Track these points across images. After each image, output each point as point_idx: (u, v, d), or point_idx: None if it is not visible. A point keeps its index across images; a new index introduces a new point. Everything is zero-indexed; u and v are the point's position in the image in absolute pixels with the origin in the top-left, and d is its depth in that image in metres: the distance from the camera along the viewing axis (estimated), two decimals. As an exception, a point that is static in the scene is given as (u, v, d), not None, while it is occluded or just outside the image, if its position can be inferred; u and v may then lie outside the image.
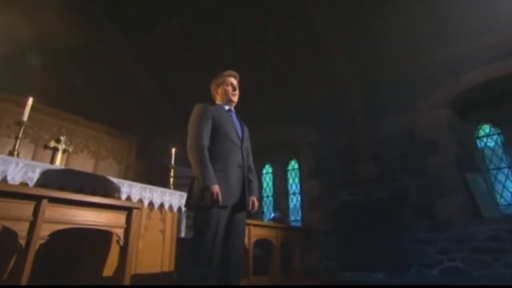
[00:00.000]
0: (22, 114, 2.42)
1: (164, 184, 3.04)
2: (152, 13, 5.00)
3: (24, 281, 1.49)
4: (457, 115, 4.51)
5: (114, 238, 1.99)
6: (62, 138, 4.42)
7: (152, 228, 2.66)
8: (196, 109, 1.83)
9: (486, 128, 4.64)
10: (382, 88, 4.83)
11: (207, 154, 1.67)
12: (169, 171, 3.33)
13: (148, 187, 2.65)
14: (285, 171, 6.28)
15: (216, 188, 1.58)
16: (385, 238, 4.16)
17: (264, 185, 6.40)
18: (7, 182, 1.83)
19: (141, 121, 6.06)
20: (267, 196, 6.30)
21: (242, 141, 1.87)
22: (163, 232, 2.73)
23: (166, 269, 2.65)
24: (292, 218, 5.83)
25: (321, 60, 4.96)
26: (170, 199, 2.79)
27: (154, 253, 2.60)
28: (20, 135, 2.34)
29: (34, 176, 1.98)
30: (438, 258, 3.85)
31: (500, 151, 4.43)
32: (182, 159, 2.86)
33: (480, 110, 4.57)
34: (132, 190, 2.50)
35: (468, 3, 3.97)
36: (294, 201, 5.97)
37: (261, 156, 5.66)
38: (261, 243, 3.58)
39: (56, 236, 1.66)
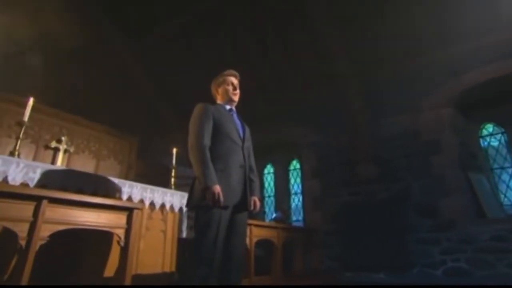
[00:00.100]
0: (23, 114, 2.41)
1: (165, 184, 3.03)
2: (152, 13, 4.99)
3: (24, 282, 1.48)
4: (459, 115, 4.48)
5: (115, 238, 1.98)
6: (63, 138, 4.42)
7: (154, 228, 2.66)
8: (197, 109, 1.82)
9: (489, 127, 4.60)
10: (383, 88, 4.81)
11: (208, 154, 1.66)
12: (170, 171, 3.32)
13: (149, 187, 2.64)
14: (286, 171, 6.26)
15: (217, 188, 1.57)
16: (387, 238, 4.13)
17: (266, 185, 6.38)
18: (8, 182, 1.82)
19: (142, 121, 6.06)
20: (269, 196, 6.28)
21: (243, 141, 1.86)
22: (164, 232, 2.72)
23: (167, 269, 2.65)
24: (294, 218, 5.82)
25: (321, 60, 4.94)
26: (171, 199, 2.78)
27: (155, 254, 2.59)
28: (21, 135, 2.34)
29: (35, 176, 1.97)
30: (441, 258, 3.82)
31: (504, 150, 4.40)
32: (183, 159, 2.85)
33: (483, 109, 4.54)
34: (133, 191, 2.49)
35: (468, 2, 3.95)
36: (296, 201, 5.95)
37: (262, 156, 5.64)
38: (263, 243, 3.57)
39: (56, 236, 1.65)
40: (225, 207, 1.61)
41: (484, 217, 3.81)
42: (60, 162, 4.24)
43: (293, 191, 6.06)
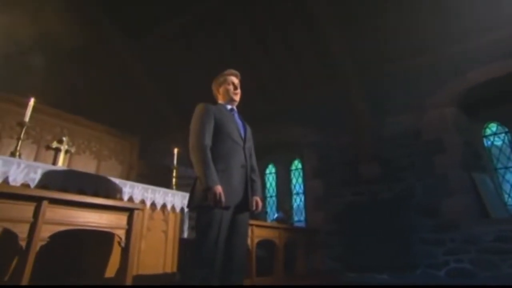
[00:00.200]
0: (24, 115, 2.41)
1: (166, 184, 3.03)
2: (152, 13, 4.99)
3: (24, 283, 1.47)
4: (463, 114, 4.44)
5: (116, 239, 1.97)
6: (64, 138, 4.42)
7: (155, 228, 2.65)
8: (198, 109, 1.81)
9: (493, 127, 4.57)
10: (385, 87, 4.78)
11: (209, 154, 1.65)
12: (172, 172, 3.31)
13: (151, 187, 2.63)
14: (288, 171, 6.24)
15: (218, 189, 1.56)
16: (390, 238, 4.10)
17: (268, 185, 6.36)
18: (8, 183, 1.82)
19: (143, 121, 6.06)
20: (271, 196, 6.27)
21: (244, 140, 1.84)
22: (165, 232, 2.71)
23: (168, 270, 2.64)
24: (296, 218, 5.80)
25: (322, 59, 4.92)
26: (172, 200, 2.78)
27: (156, 254, 2.58)
28: (21, 136, 2.34)
29: (35, 177, 1.97)
30: (445, 259, 3.79)
31: (507, 150, 4.36)
32: (184, 159, 2.84)
33: (487, 109, 4.50)
34: (134, 191, 2.48)
35: (471, 0, 3.91)
36: (298, 201, 5.93)
37: (264, 156, 5.63)
38: (264, 244, 3.55)
39: (57, 237, 1.64)
40: (226, 208, 1.60)
41: (488, 217, 3.77)
42: (61, 163, 4.24)
43: (295, 191, 6.04)
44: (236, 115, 1.93)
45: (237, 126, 1.86)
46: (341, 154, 4.98)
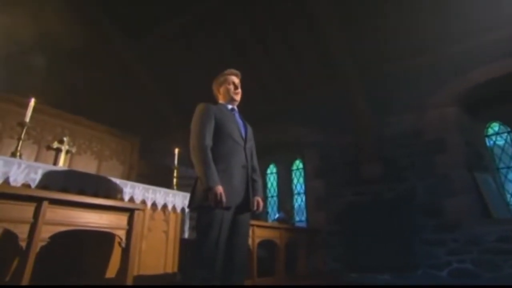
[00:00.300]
0: (24, 115, 2.41)
1: (167, 184, 3.02)
2: (152, 13, 4.99)
3: (24, 283, 1.47)
4: (465, 113, 4.42)
5: (116, 239, 1.96)
6: (65, 139, 4.42)
7: (156, 229, 2.65)
8: (199, 109, 1.80)
9: (495, 126, 4.54)
10: (386, 87, 4.76)
11: (210, 154, 1.64)
12: (172, 172, 3.31)
13: (151, 187, 2.63)
14: (289, 171, 6.23)
15: (219, 189, 1.55)
16: (391, 238, 4.09)
17: (269, 185, 6.35)
18: (9, 183, 1.82)
19: (143, 121, 6.06)
20: (272, 196, 6.26)
21: (245, 140, 1.84)
22: (166, 233, 2.71)
23: (169, 270, 2.64)
24: (297, 218, 5.78)
25: (323, 59, 4.91)
26: (173, 200, 2.77)
27: (157, 254, 2.58)
28: (22, 136, 2.34)
29: (36, 177, 1.97)
30: (447, 259, 3.77)
31: (510, 150, 4.33)
32: (185, 159, 2.83)
33: (489, 108, 4.47)
34: (135, 191, 2.48)
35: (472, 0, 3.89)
36: (299, 201, 5.92)
37: (265, 156, 5.62)
38: (266, 244, 3.54)
39: (57, 238, 1.63)
40: (227, 208, 1.60)
41: (490, 218, 3.75)
42: (62, 163, 4.24)
43: (296, 191, 6.03)
44: (237, 115, 1.93)
45: (238, 126, 1.85)
46: (342, 154, 4.96)
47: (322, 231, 4.75)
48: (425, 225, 4.01)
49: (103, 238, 2.08)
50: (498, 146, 4.42)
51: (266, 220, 5.68)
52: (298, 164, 6.17)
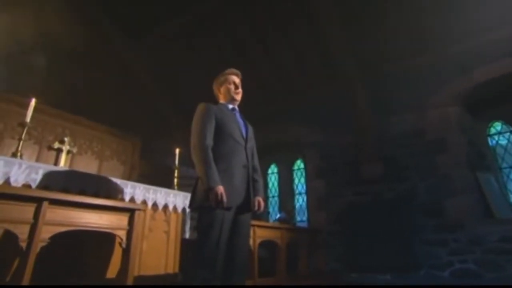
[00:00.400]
0: (25, 115, 2.41)
1: (168, 184, 3.01)
2: (152, 13, 4.99)
3: (25, 284, 1.46)
4: (467, 113, 4.40)
5: (117, 240, 1.96)
6: (66, 139, 4.42)
7: (156, 229, 2.64)
8: (199, 108, 1.80)
9: (497, 126, 4.51)
10: (388, 87, 4.74)
11: (211, 154, 1.64)
12: (173, 172, 3.30)
13: (152, 188, 2.62)
14: (290, 171, 6.22)
15: (220, 189, 1.54)
16: (393, 238, 4.07)
17: (270, 185, 6.34)
18: (10, 184, 1.82)
19: (144, 121, 6.05)
20: (273, 197, 6.24)
21: (246, 140, 1.83)
22: (167, 233, 2.70)
23: (170, 270, 2.63)
24: (298, 218, 5.77)
25: (324, 59, 4.89)
26: (174, 200, 2.77)
27: (158, 255, 2.57)
28: (23, 136, 2.34)
29: (37, 177, 1.97)
30: (449, 259, 3.75)
31: (512, 149, 4.31)
32: (186, 159, 2.82)
33: (491, 107, 4.45)
34: (136, 191, 2.47)
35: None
36: (300, 201, 5.90)
37: (266, 156, 5.61)
38: (267, 244, 3.53)
39: (57, 238, 1.63)
40: (228, 208, 1.59)
41: (492, 218, 3.73)
42: (63, 163, 4.24)
43: (297, 191, 6.01)
44: (237, 115, 1.92)
45: (239, 126, 1.84)
46: (343, 154, 4.95)
47: (323, 231, 4.74)
48: (425, 225, 3.99)
49: (104, 239, 2.08)
50: (501, 145, 4.39)
51: (267, 220, 5.67)
52: (299, 164, 6.15)
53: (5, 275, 1.70)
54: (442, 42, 4.34)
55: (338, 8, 4.29)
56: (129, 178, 4.75)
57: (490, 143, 4.46)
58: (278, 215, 5.37)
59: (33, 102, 2.45)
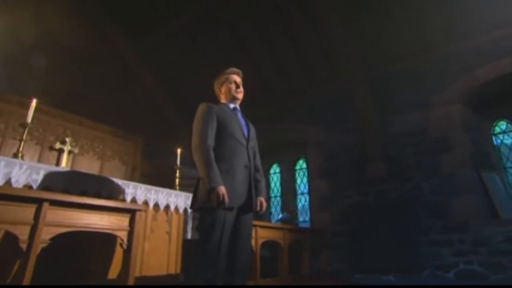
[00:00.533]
0: (27, 116, 2.40)
1: (169, 185, 3.00)
2: (154, 13, 4.99)
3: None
4: (471, 112, 4.35)
5: (118, 241, 1.94)
6: (67, 139, 4.42)
7: (158, 229, 2.63)
8: (201, 108, 1.78)
9: (502, 125, 4.46)
10: (391, 85, 4.71)
11: (212, 155, 1.62)
12: (175, 172, 3.29)
13: (154, 188, 2.61)
14: (293, 171, 6.19)
15: (222, 189, 1.53)
16: (397, 239, 4.03)
17: (272, 185, 6.32)
18: (11, 184, 1.80)
19: (146, 122, 6.06)
20: (275, 197, 6.22)
21: (248, 140, 1.81)
22: (169, 233, 2.69)
23: (172, 271, 2.62)
24: (301, 218, 5.74)
25: (328, 57, 4.86)
26: (176, 201, 2.75)
27: (160, 255, 2.56)
28: (24, 137, 2.33)
29: (38, 178, 1.95)
30: (453, 260, 3.71)
31: (517, 148, 4.25)
32: (188, 159, 2.80)
33: (496, 106, 4.40)
34: (137, 192, 2.46)
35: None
36: (303, 201, 5.87)
37: (268, 155, 5.59)
38: (269, 245, 3.51)
39: (58, 239, 1.62)
40: (230, 208, 1.58)
41: (497, 218, 3.69)
42: (64, 163, 4.24)
43: (299, 191, 5.98)
44: (239, 114, 1.90)
45: (240, 126, 1.83)
46: (346, 154, 4.91)
47: (326, 232, 4.71)
48: (431, 225, 3.95)
49: (105, 239, 2.06)
50: (506, 145, 4.34)
51: (269, 220, 5.64)
52: (301, 163, 6.12)
53: (6, 277, 1.69)
54: (446, 40, 4.30)
55: (341, 7, 4.26)
56: (131, 178, 4.75)
57: (494, 142, 4.41)
58: (281, 215, 5.34)
59: (34, 102, 2.44)
